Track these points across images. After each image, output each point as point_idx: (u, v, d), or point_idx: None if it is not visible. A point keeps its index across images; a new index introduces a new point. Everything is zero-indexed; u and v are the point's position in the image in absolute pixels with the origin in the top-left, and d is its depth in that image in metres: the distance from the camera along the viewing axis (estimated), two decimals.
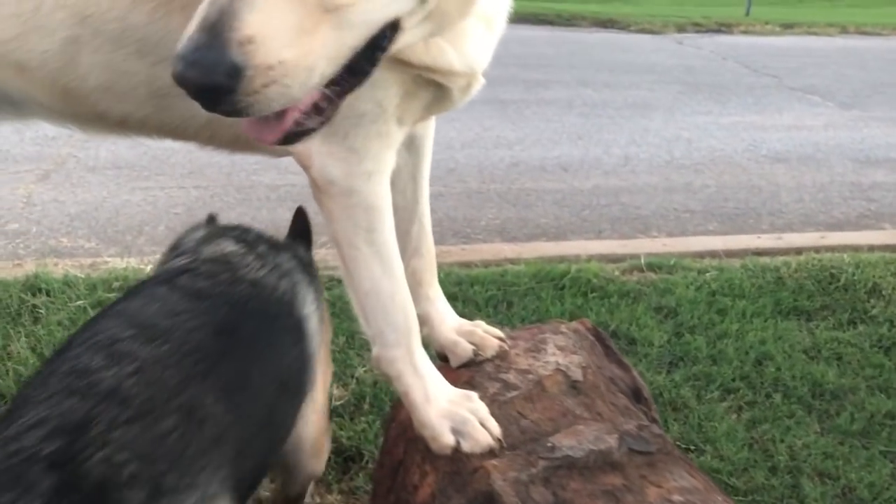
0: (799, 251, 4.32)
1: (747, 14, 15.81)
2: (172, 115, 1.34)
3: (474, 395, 1.40)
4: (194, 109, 1.23)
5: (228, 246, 1.55)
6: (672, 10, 16.39)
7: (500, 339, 1.59)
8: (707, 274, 3.87)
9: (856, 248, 4.38)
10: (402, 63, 1.18)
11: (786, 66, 11.04)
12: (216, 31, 0.85)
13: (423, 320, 1.54)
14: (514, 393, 1.39)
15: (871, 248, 4.40)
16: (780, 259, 4.11)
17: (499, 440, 1.34)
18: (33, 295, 3.19)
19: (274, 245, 1.64)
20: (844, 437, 2.73)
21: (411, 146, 1.49)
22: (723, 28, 14.32)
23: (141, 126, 1.38)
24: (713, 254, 4.24)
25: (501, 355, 1.54)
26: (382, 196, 1.30)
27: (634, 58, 11.16)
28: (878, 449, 2.68)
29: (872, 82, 10.25)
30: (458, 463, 1.29)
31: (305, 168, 1.28)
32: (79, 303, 3.15)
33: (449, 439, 1.37)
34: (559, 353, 1.49)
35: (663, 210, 5.40)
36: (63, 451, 1.05)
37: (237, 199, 5.30)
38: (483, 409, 1.37)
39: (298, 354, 1.50)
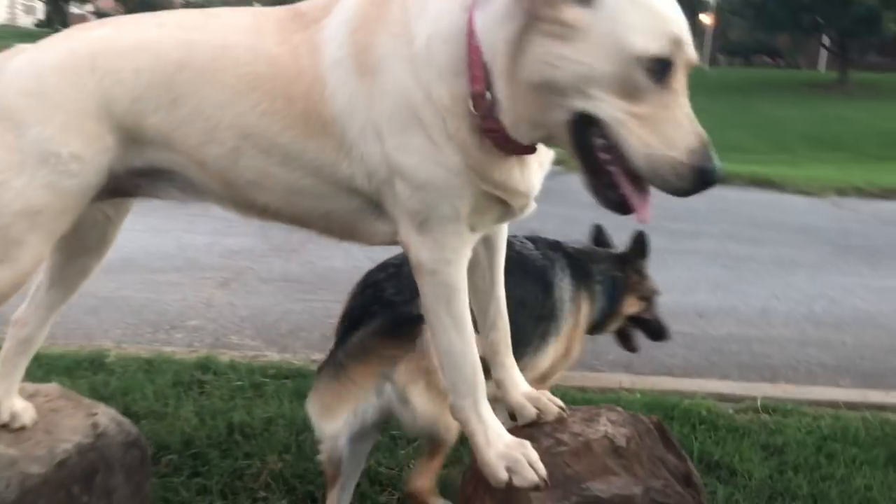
0: None
1: None
2: (299, 208, 1.78)
3: (528, 443, 1.70)
4: (315, 205, 1.71)
5: (528, 243, 2.87)
6: (834, 174, 16.26)
7: (561, 407, 1.88)
8: (822, 420, 3.92)
9: None
10: (480, 177, 1.59)
11: None
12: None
13: (499, 384, 1.88)
14: (564, 448, 1.69)
15: None
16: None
17: (544, 480, 1.62)
18: (203, 373, 3.74)
19: (553, 245, 2.97)
20: None
21: (488, 243, 1.87)
22: (887, 194, 14.04)
23: (276, 214, 1.82)
24: (833, 403, 4.27)
25: (560, 420, 1.84)
26: (459, 279, 1.67)
27: (785, 217, 11.18)
28: None
29: None
30: (510, 492, 1.60)
31: (407, 251, 1.69)
32: (238, 383, 3.67)
33: (503, 475, 1.67)
34: (610, 424, 1.78)
35: (794, 361, 5.43)
36: None
37: None
38: (534, 455, 1.66)
39: (545, 302, 2.76)
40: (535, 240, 2.93)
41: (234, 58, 1.67)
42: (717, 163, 1.45)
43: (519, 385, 1.89)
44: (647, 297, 3.27)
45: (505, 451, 1.69)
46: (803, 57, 43.76)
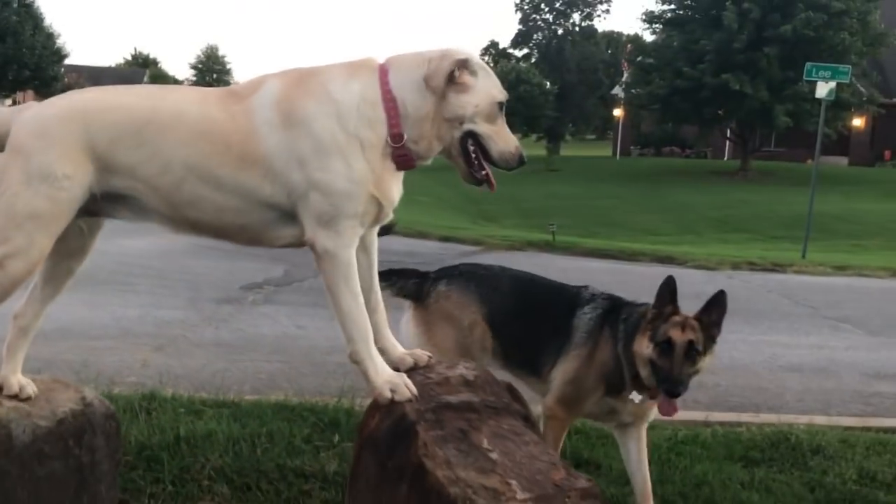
0: (770, 425, 5.09)
1: (803, 256, 16.84)
2: (222, 222, 2.50)
3: (404, 374, 2.45)
4: (235, 219, 2.45)
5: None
6: (732, 252, 17.61)
7: (429, 356, 2.63)
8: (679, 431, 4.71)
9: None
10: (375, 188, 2.39)
11: (827, 299, 11.89)
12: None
13: (383, 350, 2.58)
14: (430, 380, 2.41)
15: (832, 427, 5.14)
16: (746, 426, 4.92)
17: (415, 395, 2.34)
18: (149, 403, 4.32)
19: (598, 296, 3.66)
20: None
21: (367, 251, 2.65)
22: (777, 268, 15.33)
23: (201, 227, 2.55)
24: (692, 422, 5.06)
25: (428, 366, 2.58)
26: (353, 259, 2.44)
27: (683, 287, 12.18)
28: None
29: None
30: (392, 408, 2.30)
31: (313, 244, 2.42)
32: (181, 409, 4.26)
33: (388, 394, 2.38)
34: (465, 369, 2.51)
35: None
36: None
37: (310, 371, 6.43)
38: (408, 381, 2.40)
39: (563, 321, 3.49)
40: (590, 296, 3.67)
41: (187, 119, 2.44)
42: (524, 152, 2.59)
43: (398, 347, 2.65)
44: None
45: (388, 379, 2.43)
46: (710, 147, 46.63)
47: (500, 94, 2.51)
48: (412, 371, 2.53)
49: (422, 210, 25.80)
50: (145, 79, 79.73)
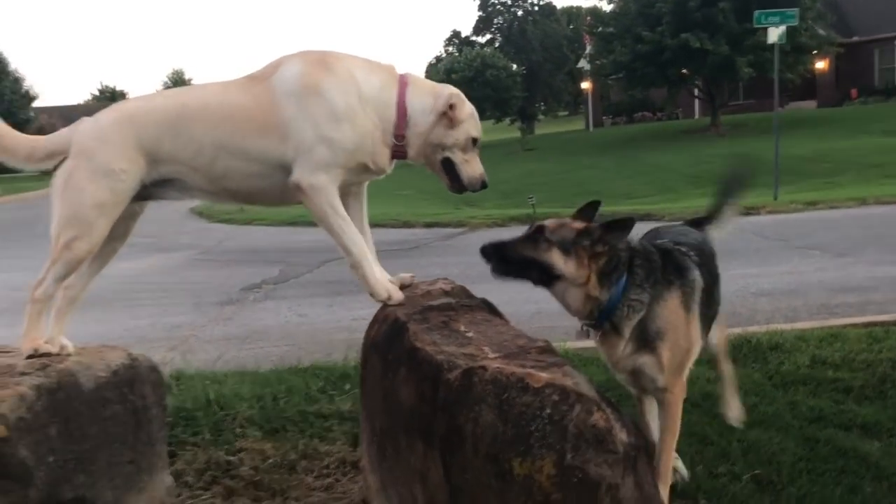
0: (737, 335, 5.62)
1: (775, 198, 17.42)
2: (251, 188, 3.03)
3: (396, 283, 3.05)
4: (260, 183, 2.96)
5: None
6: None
7: (412, 276, 3.19)
8: None
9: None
10: (371, 157, 2.95)
11: (798, 232, 12.48)
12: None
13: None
14: (415, 293, 2.94)
15: (792, 329, 5.68)
16: None
17: (402, 301, 2.92)
18: (176, 381, 4.83)
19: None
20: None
21: (358, 194, 3.19)
22: (750, 211, 15.88)
23: (237, 195, 3.10)
24: None
25: (413, 284, 3.13)
26: (335, 192, 2.93)
27: None
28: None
29: (872, 236, 11.57)
30: (386, 316, 2.83)
31: (299, 184, 2.89)
32: (206, 381, 4.76)
33: (384, 294, 2.94)
34: (444, 283, 3.05)
35: None
36: None
37: (316, 349, 6.93)
38: (399, 290, 2.99)
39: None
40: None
41: (210, 108, 2.96)
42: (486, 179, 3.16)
43: (384, 274, 3.15)
44: None
45: (384, 283, 2.99)
46: (680, 108, 47.24)
47: (476, 132, 3.10)
48: (403, 289, 3.07)
49: (405, 202, 26.34)
50: None
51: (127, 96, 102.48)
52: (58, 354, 2.94)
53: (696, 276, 3.22)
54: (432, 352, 2.39)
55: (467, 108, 3.08)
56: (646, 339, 3.06)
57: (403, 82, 3.06)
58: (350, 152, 2.93)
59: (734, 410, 3.89)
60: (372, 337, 2.90)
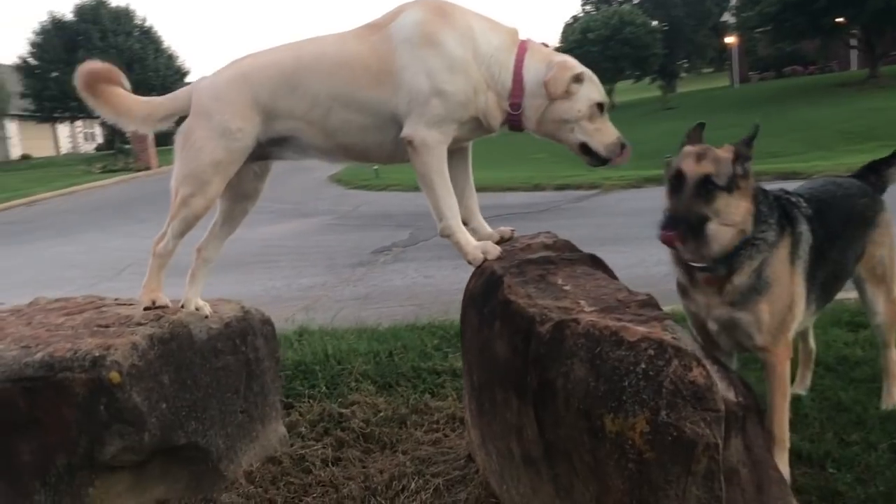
0: None
1: None
2: (366, 142, 2.97)
3: (489, 242, 2.92)
4: (375, 137, 2.92)
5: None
6: (864, 159, 16.94)
7: (512, 230, 3.09)
8: None
9: None
10: (484, 112, 2.86)
11: None
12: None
13: (473, 231, 3.02)
14: (514, 247, 2.85)
15: None
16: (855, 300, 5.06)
17: (502, 253, 2.82)
18: (299, 337, 4.96)
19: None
20: None
21: (462, 155, 3.08)
22: None
23: (352, 151, 3.02)
24: None
25: (513, 238, 3.04)
26: (444, 153, 2.85)
27: None
28: None
29: None
30: (483, 269, 2.76)
31: (411, 139, 2.81)
32: (326, 338, 4.87)
33: (480, 255, 2.83)
34: (545, 237, 2.93)
35: None
36: None
37: (439, 309, 6.96)
38: (495, 245, 2.89)
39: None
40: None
41: (326, 58, 2.92)
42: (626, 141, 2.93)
43: (486, 227, 3.08)
44: None
45: (477, 245, 2.88)
46: (835, 60, 44.23)
47: (600, 96, 2.90)
48: (499, 243, 2.98)
49: (538, 166, 26.03)
50: None
51: None
52: (168, 307, 3.04)
53: (804, 228, 2.97)
54: (525, 304, 2.31)
55: (584, 72, 2.88)
56: (753, 289, 2.82)
57: (523, 48, 2.91)
58: (463, 105, 2.83)
59: (893, 398, 3.60)
60: (470, 290, 2.84)
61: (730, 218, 2.69)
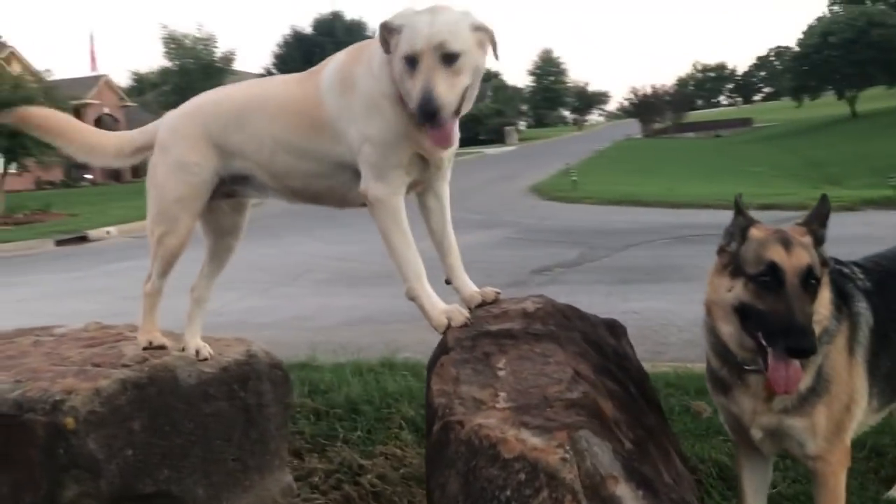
0: None
1: None
2: (314, 188, 2.82)
3: (457, 305, 2.60)
4: (323, 182, 2.75)
5: None
6: None
7: (497, 292, 2.73)
8: None
9: None
10: (413, 145, 2.56)
11: None
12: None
13: (457, 289, 2.75)
14: (489, 314, 2.52)
15: None
16: None
17: (469, 320, 2.52)
18: (383, 366, 4.84)
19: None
20: None
21: (438, 197, 2.79)
22: None
23: (303, 195, 2.89)
24: None
25: (496, 300, 2.69)
26: (401, 204, 2.61)
27: None
28: None
29: None
30: (443, 337, 2.46)
31: (365, 194, 2.63)
32: (405, 372, 4.72)
33: (444, 321, 2.55)
34: (530, 303, 2.56)
35: None
36: None
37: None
38: (464, 311, 2.59)
39: None
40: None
41: (271, 100, 2.82)
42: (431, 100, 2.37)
43: (469, 286, 2.77)
44: None
45: (443, 310, 2.61)
46: None
47: (406, 48, 2.45)
48: (480, 307, 2.67)
49: (749, 181, 24.37)
50: (488, 93, 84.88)
51: (501, 78, 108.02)
52: (165, 347, 3.01)
53: (863, 307, 2.40)
54: (437, 393, 2.03)
55: (395, 23, 2.50)
56: (812, 391, 2.34)
57: None
58: (392, 145, 2.59)
59: None
60: (430, 359, 2.56)
61: (820, 313, 2.27)
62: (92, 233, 20.08)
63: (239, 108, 2.87)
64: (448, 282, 2.78)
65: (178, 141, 2.90)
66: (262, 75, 48.04)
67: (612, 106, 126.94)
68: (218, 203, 3.00)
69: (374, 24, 48.01)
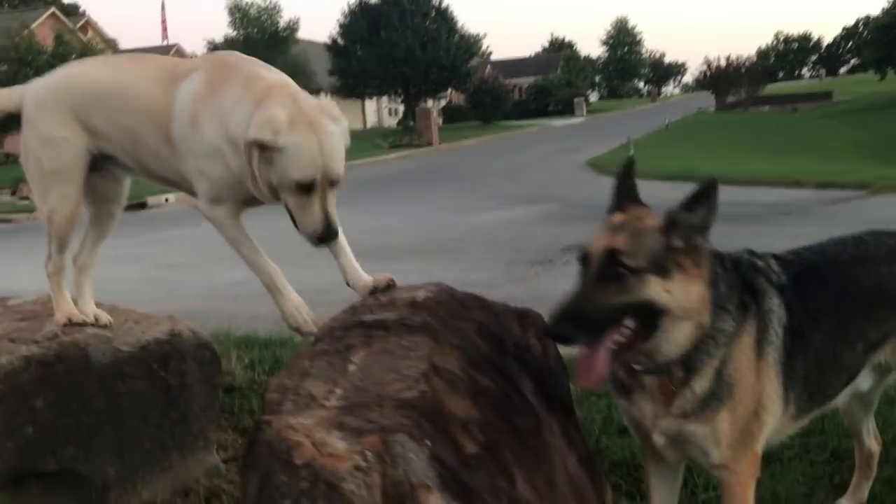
0: None
1: None
2: (175, 181, 2.79)
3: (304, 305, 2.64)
4: (180, 181, 2.74)
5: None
6: None
7: (390, 279, 2.63)
8: None
9: None
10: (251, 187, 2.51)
11: None
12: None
13: (349, 281, 2.69)
14: (376, 301, 2.40)
15: None
16: None
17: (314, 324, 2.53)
18: None
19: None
20: None
21: None
22: None
23: (172, 183, 2.86)
24: None
25: (389, 287, 2.59)
26: (235, 224, 2.66)
27: None
28: None
29: None
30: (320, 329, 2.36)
31: (204, 213, 2.65)
32: None
33: (294, 325, 2.62)
34: (426, 292, 2.42)
35: None
36: None
37: None
38: (306, 314, 2.63)
39: None
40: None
41: (134, 93, 2.74)
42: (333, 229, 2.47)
43: (363, 277, 2.68)
44: None
45: (297, 315, 2.62)
46: None
47: (299, 174, 2.40)
48: (374, 293, 2.57)
49: (816, 157, 23.40)
50: (560, 62, 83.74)
51: (575, 48, 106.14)
52: (94, 324, 2.98)
53: (774, 303, 2.19)
54: (273, 387, 1.92)
55: (280, 140, 2.40)
56: (713, 396, 2.15)
57: (263, 94, 2.52)
58: (230, 186, 2.60)
59: None
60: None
61: (676, 305, 2.04)
62: (151, 199, 20.56)
63: (103, 92, 2.81)
64: (347, 283, 2.69)
65: (45, 116, 2.83)
66: (327, 45, 48.43)
67: (688, 77, 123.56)
68: (97, 173, 2.95)
69: None
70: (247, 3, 31.28)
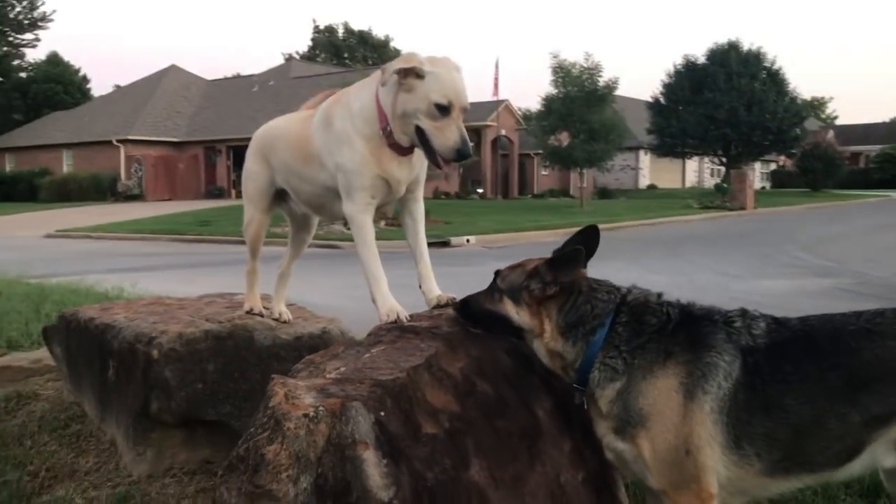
0: None
1: None
2: (315, 204, 3.45)
3: (401, 308, 2.99)
4: (324, 202, 3.40)
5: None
6: None
7: (451, 298, 3.03)
8: None
9: None
10: (377, 167, 3.01)
11: None
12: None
13: (424, 293, 3.13)
14: (433, 315, 2.87)
15: None
16: None
17: (408, 319, 2.90)
18: None
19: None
20: None
21: (412, 216, 3.22)
22: None
23: (310, 207, 3.52)
24: None
25: (448, 306, 2.99)
26: (367, 222, 3.07)
27: None
28: None
29: None
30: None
31: (344, 212, 3.15)
32: None
33: (386, 317, 2.93)
34: None
35: None
36: None
37: None
38: (404, 313, 2.95)
39: None
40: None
41: (288, 134, 3.48)
42: (468, 147, 2.86)
43: (433, 291, 3.13)
44: None
45: (390, 308, 2.98)
46: None
47: (439, 97, 2.82)
48: (436, 307, 3.08)
49: None
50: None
51: None
52: (276, 318, 3.82)
53: (723, 360, 2.33)
54: (305, 360, 2.52)
55: (424, 69, 2.84)
56: (626, 420, 2.43)
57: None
58: (358, 172, 3.05)
59: None
60: None
61: (525, 327, 2.58)
62: (454, 239, 22.33)
63: (276, 136, 3.60)
64: (419, 286, 3.19)
65: (249, 154, 3.73)
66: (648, 104, 48.60)
67: None
68: (286, 203, 3.74)
69: (772, 54, 45.56)
70: (570, 63, 32.60)
